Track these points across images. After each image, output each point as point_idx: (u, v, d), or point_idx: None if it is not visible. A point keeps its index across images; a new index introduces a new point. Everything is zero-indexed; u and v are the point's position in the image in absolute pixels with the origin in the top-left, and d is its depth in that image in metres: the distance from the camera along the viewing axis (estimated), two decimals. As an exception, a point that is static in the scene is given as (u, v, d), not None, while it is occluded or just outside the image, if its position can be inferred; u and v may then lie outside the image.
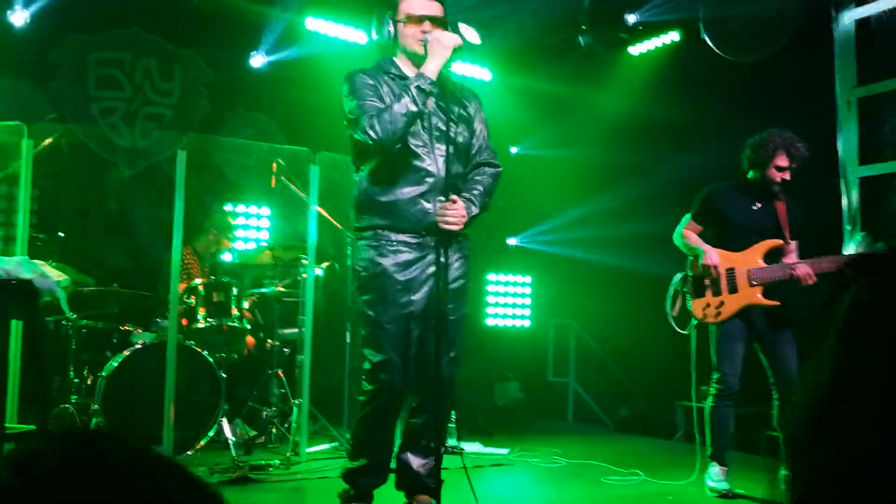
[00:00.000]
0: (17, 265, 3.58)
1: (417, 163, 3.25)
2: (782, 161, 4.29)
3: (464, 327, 3.45)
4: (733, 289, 4.32)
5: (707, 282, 4.37)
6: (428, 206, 3.25)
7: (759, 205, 4.40)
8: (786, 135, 4.33)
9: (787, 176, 4.31)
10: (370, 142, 3.11)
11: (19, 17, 6.05)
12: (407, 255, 3.25)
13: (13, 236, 4.50)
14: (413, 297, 3.26)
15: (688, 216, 4.56)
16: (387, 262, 3.24)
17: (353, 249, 3.40)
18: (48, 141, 4.87)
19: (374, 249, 3.26)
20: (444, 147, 3.29)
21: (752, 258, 4.33)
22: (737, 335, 4.35)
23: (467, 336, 3.62)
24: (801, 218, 4.42)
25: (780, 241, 4.34)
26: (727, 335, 4.36)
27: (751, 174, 4.43)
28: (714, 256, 4.35)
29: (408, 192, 3.24)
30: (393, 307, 3.25)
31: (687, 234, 4.52)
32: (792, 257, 4.36)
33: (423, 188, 3.25)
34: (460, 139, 3.35)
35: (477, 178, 3.45)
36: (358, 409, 3.40)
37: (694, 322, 4.42)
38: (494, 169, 3.51)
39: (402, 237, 3.25)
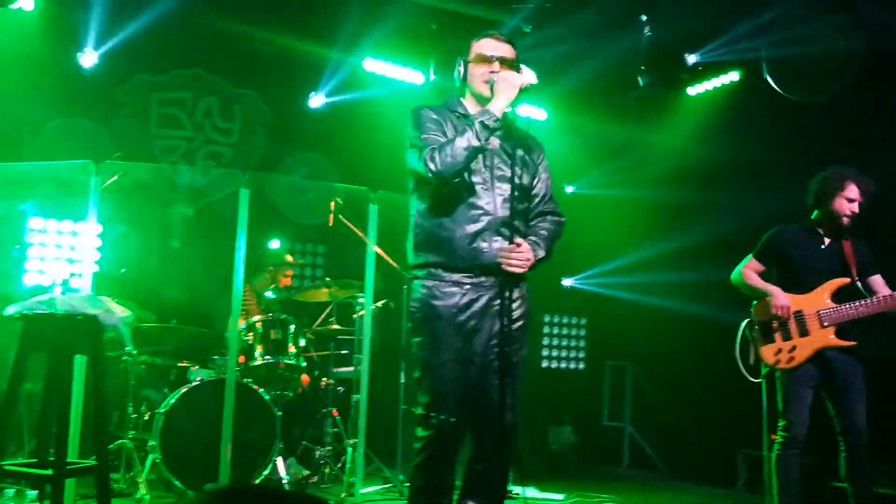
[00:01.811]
0: (83, 301, 3.63)
1: (475, 200, 3.21)
2: (851, 193, 4.20)
3: (524, 370, 3.37)
4: (804, 332, 4.19)
5: (775, 326, 4.25)
6: (483, 244, 3.19)
7: (827, 242, 4.30)
8: (851, 169, 4.26)
9: (856, 209, 4.20)
10: (429, 174, 3.08)
11: (89, 59, 6.22)
12: (461, 297, 3.18)
13: (79, 272, 4.56)
14: (467, 341, 3.19)
15: (749, 256, 4.44)
16: (441, 303, 3.18)
17: (408, 288, 3.35)
18: (113, 179, 4.96)
19: (428, 290, 3.21)
20: (503, 187, 3.25)
21: (819, 299, 4.21)
22: (805, 381, 4.21)
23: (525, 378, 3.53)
24: (868, 255, 4.30)
25: (848, 280, 4.22)
26: (795, 380, 4.21)
27: (815, 213, 4.34)
28: (784, 299, 4.23)
29: (465, 229, 3.19)
30: (446, 350, 3.18)
31: (749, 274, 4.39)
32: (884, 290, 4.22)
33: (478, 226, 3.19)
34: (520, 182, 3.31)
35: (541, 224, 3.40)
36: (413, 456, 3.33)
37: (765, 369, 4.29)
38: (559, 217, 3.47)
39: (455, 277, 3.19)
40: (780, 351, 4.23)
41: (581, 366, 8.62)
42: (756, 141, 6.68)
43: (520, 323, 3.25)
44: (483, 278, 3.20)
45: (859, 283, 4.26)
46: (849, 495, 4.22)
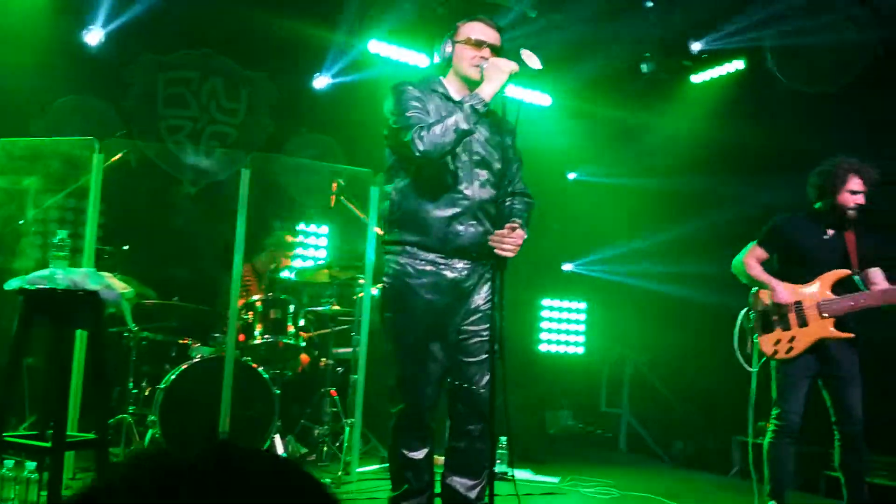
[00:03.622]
0: (84, 276, 3.66)
1: (454, 183, 3.26)
2: (856, 185, 4.18)
3: (502, 348, 3.40)
4: (803, 323, 4.20)
5: (775, 317, 4.25)
6: (460, 228, 3.25)
7: (831, 233, 4.29)
8: (852, 159, 4.23)
9: (862, 200, 4.19)
10: (416, 153, 3.10)
11: (94, 37, 6.24)
12: (434, 277, 3.24)
13: (81, 248, 4.61)
14: (439, 319, 3.25)
15: (753, 243, 4.42)
16: (414, 281, 3.24)
17: (381, 263, 3.40)
18: (118, 156, 5.00)
19: (401, 267, 3.26)
20: (481, 172, 3.30)
21: (819, 290, 4.21)
22: (801, 371, 4.21)
23: (519, 362, 3.58)
24: (873, 248, 4.28)
25: (848, 271, 4.22)
26: (792, 370, 4.22)
27: (819, 204, 4.32)
28: (785, 293, 4.22)
29: (441, 212, 3.24)
30: (417, 326, 3.25)
31: (751, 263, 4.37)
32: (882, 283, 4.21)
33: (456, 210, 3.25)
34: (497, 166, 3.35)
35: (517, 206, 3.44)
36: (389, 432, 3.39)
37: (763, 359, 4.29)
38: (531, 199, 3.52)
39: (430, 256, 3.25)
40: (778, 341, 4.22)
41: (580, 351, 8.66)
42: (760, 129, 6.67)
43: (490, 303, 3.29)
44: (456, 260, 3.25)
45: (858, 276, 4.27)
46: (842, 484, 4.25)
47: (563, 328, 8.62)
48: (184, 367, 5.05)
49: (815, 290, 4.21)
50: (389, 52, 7.04)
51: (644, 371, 8.12)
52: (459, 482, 3.35)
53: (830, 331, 4.16)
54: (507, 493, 3.71)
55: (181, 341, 5.51)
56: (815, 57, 5.88)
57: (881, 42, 5.63)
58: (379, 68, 7.06)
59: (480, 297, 3.32)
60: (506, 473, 5.13)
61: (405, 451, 3.32)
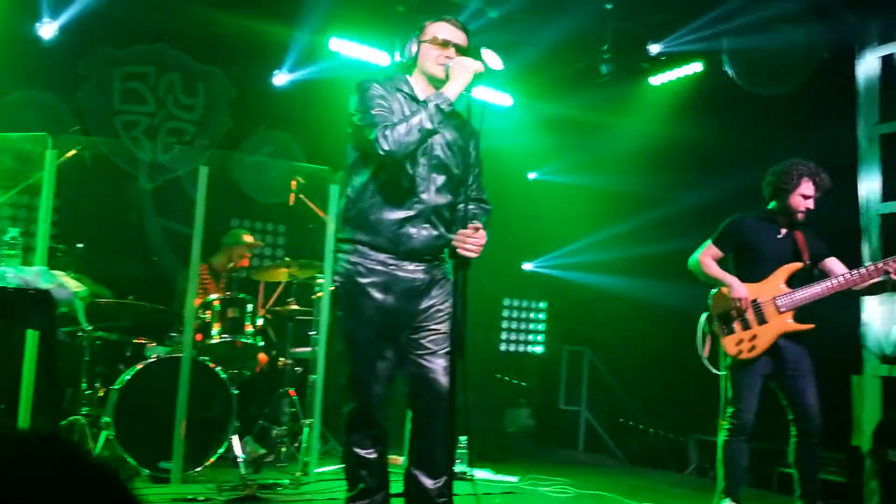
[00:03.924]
0: (35, 275, 3.60)
1: (410, 186, 3.25)
2: (807, 189, 4.27)
3: (461, 347, 3.39)
4: (762, 320, 4.25)
5: (734, 316, 4.30)
6: (412, 230, 3.24)
7: (783, 231, 4.37)
8: (810, 164, 4.31)
9: (811, 205, 4.28)
10: (381, 152, 3.09)
11: (48, 30, 6.12)
12: (384, 276, 3.23)
13: (33, 246, 4.52)
14: (389, 319, 3.24)
15: (708, 241, 4.48)
16: (364, 280, 3.23)
17: (333, 261, 3.38)
18: (72, 153, 4.90)
19: (352, 266, 3.25)
20: (439, 177, 3.30)
21: (774, 286, 4.28)
22: (756, 370, 4.27)
23: (480, 361, 3.56)
24: (822, 245, 4.38)
25: (800, 265, 4.29)
26: (746, 370, 4.27)
27: (772, 204, 4.41)
28: (742, 289, 4.27)
29: (395, 214, 3.23)
30: (367, 325, 3.23)
31: (707, 262, 4.42)
32: (841, 270, 4.28)
33: (410, 213, 3.24)
34: (456, 171, 3.35)
35: (476, 211, 3.44)
36: (342, 432, 3.39)
37: (728, 360, 4.33)
38: (488, 206, 3.52)
39: (381, 257, 3.24)
40: (740, 341, 4.26)
41: (540, 349, 8.70)
42: (717, 130, 6.75)
43: (448, 302, 3.29)
44: (407, 262, 3.25)
45: (815, 271, 4.35)
46: (794, 480, 4.32)
47: (523, 327, 8.67)
48: (139, 367, 4.97)
49: (771, 286, 4.28)
50: (350, 49, 7.00)
51: (602, 370, 8.19)
52: (424, 478, 3.35)
53: (789, 324, 4.23)
54: (466, 493, 3.71)
55: (136, 341, 5.42)
56: (770, 60, 5.96)
57: (825, 47, 5.74)
58: (339, 66, 7.02)
59: (435, 297, 3.31)
60: (465, 473, 5.13)
61: (358, 450, 3.32)
